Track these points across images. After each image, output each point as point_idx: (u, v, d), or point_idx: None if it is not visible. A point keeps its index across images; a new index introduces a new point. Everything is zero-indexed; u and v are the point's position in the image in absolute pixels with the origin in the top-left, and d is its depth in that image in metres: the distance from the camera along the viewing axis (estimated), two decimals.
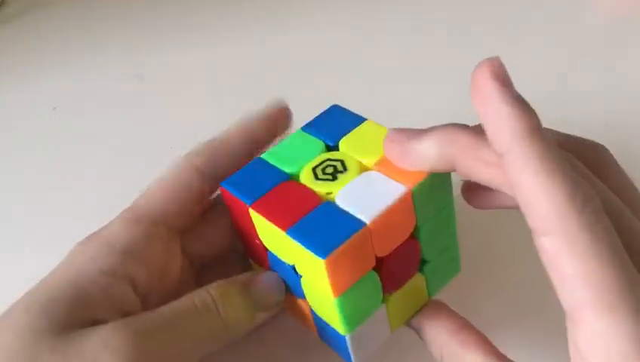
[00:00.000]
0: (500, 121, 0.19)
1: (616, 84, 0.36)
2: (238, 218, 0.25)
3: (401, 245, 0.23)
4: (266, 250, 0.24)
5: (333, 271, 0.21)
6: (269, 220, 0.22)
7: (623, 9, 0.40)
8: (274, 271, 0.25)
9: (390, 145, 0.22)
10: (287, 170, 0.24)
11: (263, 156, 0.24)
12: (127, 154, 0.38)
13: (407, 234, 0.23)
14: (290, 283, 0.24)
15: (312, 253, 0.20)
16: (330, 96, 0.39)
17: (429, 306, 0.25)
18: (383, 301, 0.23)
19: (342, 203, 0.22)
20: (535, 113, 0.20)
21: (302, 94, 0.40)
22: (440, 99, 0.38)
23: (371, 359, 0.25)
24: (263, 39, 0.44)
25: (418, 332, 0.25)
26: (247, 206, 0.23)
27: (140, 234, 0.24)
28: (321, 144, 0.24)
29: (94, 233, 0.24)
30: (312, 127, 0.25)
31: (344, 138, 0.24)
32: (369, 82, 0.40)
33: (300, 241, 0.21)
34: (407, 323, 0.25)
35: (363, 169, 0.23)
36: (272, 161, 0.24)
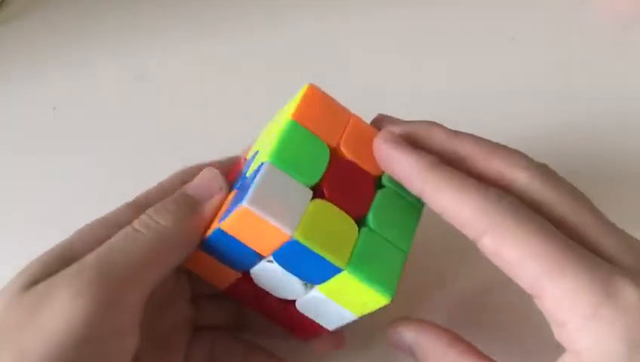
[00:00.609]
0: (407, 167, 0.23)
1: (616, 84, 0.36)
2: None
3: (358, 169, 0.25)
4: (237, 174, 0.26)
5: (307, 98, 0.25)
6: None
7: (624, 9, 0.40)
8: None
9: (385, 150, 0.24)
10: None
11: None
12: (127, 154, 0.38)
13: (376, 170, 0.25)
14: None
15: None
16: (332, 95, 0.39)
17: (420, 323, 0.24)
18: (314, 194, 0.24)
19: None
20: (426, 155, 0.23)
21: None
22: (439, 99, 0.38)
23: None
24: (263, 39, 0.44)
25: (412, 347, 0.24)
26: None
27: (136, 216, 0.24)
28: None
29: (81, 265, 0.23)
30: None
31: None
32: (369, 82, 0.40)
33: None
34: (396, 343, 0.25)
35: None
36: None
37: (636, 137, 0.34)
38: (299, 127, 0.24)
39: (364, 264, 0.23)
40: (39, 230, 0.36)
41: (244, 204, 0.21)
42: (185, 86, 0.42)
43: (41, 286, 0.22)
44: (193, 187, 0.25)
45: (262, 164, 0.23)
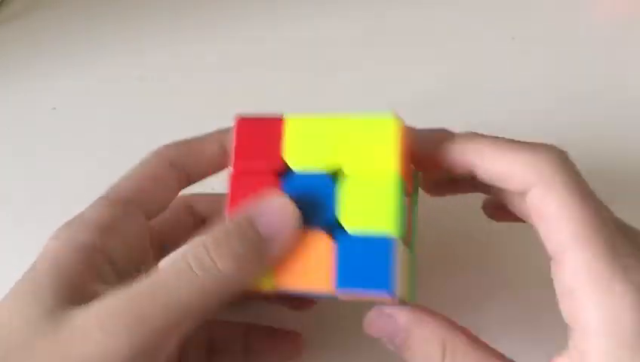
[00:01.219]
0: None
1: (616, 84, 0.36)
2: (253, 146, 0.23)
3: (407, 194, 0.24)
4: (280, 176, 0.23)
5: (401, 139, 0.22)
6: (316, 115, 0.22)
7: (623, 9, 0.40)
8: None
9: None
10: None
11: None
12: (128, 154, 0.38)
13: (410, 185, 0.24)
14: (311, 209, 0.22)
15: (381, 117, 0.22)
16: (331, 95, 0.39)
17: (419, 308, 0.24)
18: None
19: None
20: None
21: (303, 94, 0.40)
22: (439, 99, 0.38)
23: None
24: (263, 39, 0.44)
25: (400, 334, 0.23)
26: (281, 118, 0.23)
27: (115, 214, 0.24)
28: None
29: (69, 220, 0.24)
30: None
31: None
32: (368, 82, 0.40)
33: (363, 115, 0.22)
34: (377, 326, 0.23)
35: None
36: None
37: (636, 137, 0.34)
38: (401, 180, 0.22)
39: (412, 289, 0.24)
40: (39, 230, 0.36)
41: (388, 294, 0.20)
42: (185, 86, 0.42)
43: (69, 321, 0.20)
44: (264, 222, 0.21)
45: (385, 239, 0.21)
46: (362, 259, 0.21)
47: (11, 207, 0.38)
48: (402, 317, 0.22)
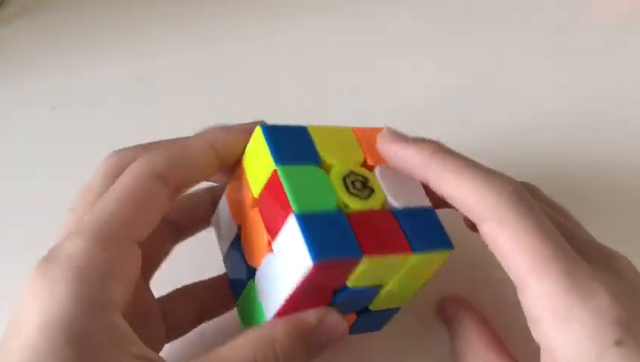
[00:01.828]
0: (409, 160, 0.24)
1: (616, 84, 0.36)
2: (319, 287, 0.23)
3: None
4: (334, 295, 0.23)
5: None
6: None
7: (623, 9, 0.40)
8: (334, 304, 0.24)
9: (385, 143, 0.25)
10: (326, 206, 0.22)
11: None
12: None
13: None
14: (348, 303, 0.24)
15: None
16: (331, 95, 0.39)
17: (464, 306, 0.27)
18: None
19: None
20: (426, 141, 0.25)
21: (303, 93, 0.40)
22: (439, 99, 0.38)
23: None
24: (263, 39, 0.44)
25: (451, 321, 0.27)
26: (358, 259, 0.22)
27: (114, 255, 0.21)
28: (319, 170, 0.23)
29: (56, 257, 0.21)
30: (284, 159, 0.23)
31: (322, 152, 0.24)
32: (368, 81, 0.40)
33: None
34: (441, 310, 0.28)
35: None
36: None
37: (636, 137, 0.34)
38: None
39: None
40: (39, 230, 0.36)
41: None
42: (185, 86, 0.42)
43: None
44: (324, 338, 0.23)
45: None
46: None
47: (11, 207, 0.38)
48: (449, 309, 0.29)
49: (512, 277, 0.22)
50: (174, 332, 0.27)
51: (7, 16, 0.48)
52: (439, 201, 0.25)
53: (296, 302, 0.22)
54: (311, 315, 0.23)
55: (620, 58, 0.38)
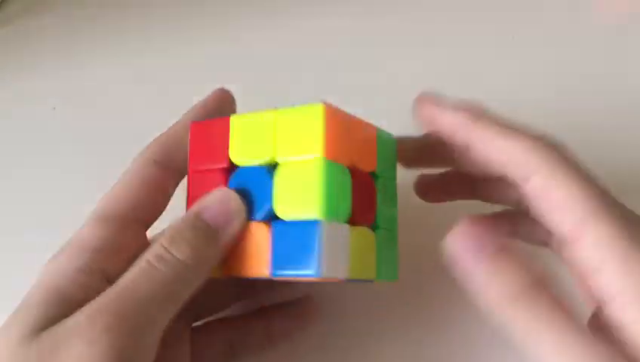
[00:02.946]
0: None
1: (616, 84, 0.37)
2: (205, 147, 0.25)
3: (363, 175, 0.24)
4: (229, 173, 0.24)
5: (328, 124, 0.22)
6: (255, 113, 0.24)
7: (623, 9, 0.41)
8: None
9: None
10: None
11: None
12: (127, 154, 0.38)
13: (369, 165, 0.25)
14: (252, 200, 0.23)
15: (310, 105, 0.22)
16: (331, 95, 0.39)
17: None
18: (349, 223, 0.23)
19: None
20: (472, 107, 0.24)
21: (303, 94, 0.40)
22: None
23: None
24: (263, 39, 0.44)
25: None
26: (228, 117, 0.24)
27: (111, 232, 0.24)
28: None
29: (66, 243, 0.24)
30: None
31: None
32: (367, 83, 0.40)
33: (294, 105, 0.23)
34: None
35: None
36: None
37: (636, 136, 0.34)
38: (329, 164, 0.22)
39: (382, 267, 0.25)
40: (39, 230, 0.36)
41: (315, 276, 0.21)
42: (184, 86, 0.42)
43: (50, 335, 0.20)
44: (210, 212, 0.23)
45: (311, 222, 0.21)
46: (292, 244, 0.22)
47: (11, 207, 0.38)
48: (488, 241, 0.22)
49: (565, 226, 0.21)
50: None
51: (7, 16, 0.48)
52: (461, 189, 0.26)
53: (195, 188, 0.24)
54: (195, 202, 0.24)
55: (620, 58, 0.38)
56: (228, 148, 0.24)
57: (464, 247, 0.21)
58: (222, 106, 0.27)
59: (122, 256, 0.24)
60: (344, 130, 0.23)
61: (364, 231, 0.24)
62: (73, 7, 0.48)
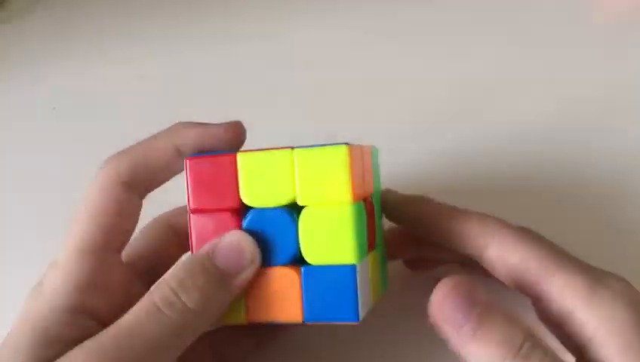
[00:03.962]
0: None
1: (616, 84, 0.36)
2: (209, 185, 0.23)
3: (368, 203, 0.24)
4: (240, 213, 0.23)
5: (351, 165, 0.22)
6: (269, 150, 0.22)
7: (623, 9, 0.40)
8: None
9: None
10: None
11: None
12: None
13: (371, 189, 0.25)
14: (272, 243, 0.23)
15: (331, 146, 0.22)
16: (332, 95, 0.39)
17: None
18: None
19: None
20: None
21: (303, 94, 0.40)
22: (439, 99, 0.38)
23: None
24: (263, 39, 0.44)
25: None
26: (234, 153, 0.23)
27: (91, 265, 0.23)
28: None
29: (42, 281, 0.23)
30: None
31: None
32: (367, 83, 0.40)
33: (314, 146, 0.22)
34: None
35: None
36: None
37: (637, 136, 0.34)
38: (355, 207, 0.22)
39: (383, 282, 0.26)
40: (39, 230, 0.36)
41: (354, 321, 0.22)
42: (184, 86, 0.42)
43: None
44: (223, 258, 0.22)
45: (345, 267, 0.22)
46: (327, 290, 0.22)
47: (10, 207, 0.38)
48: (480, 297, 0.22)
49: (527, 289, 0.23)
50: None
51: (7, 16, 0.48)
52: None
53: (200, 230, 0.23)
54: (207, 243, 0.23)
55: (620, 58, 0.38)
56: (237, 187, 0.23)
57: (452, 308, 0.20)
58: (232, 142, 0.25)
59: (103, 290, 0.23)
60: (359, 166, 0.23)
61: (373, 255, 0.24)
62: (73, 7, 0.48)
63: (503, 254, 0.23)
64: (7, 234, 0.37)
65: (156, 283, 0.22)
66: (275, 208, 0.22)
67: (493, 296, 0.21)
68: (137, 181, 0.24)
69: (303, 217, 0.22)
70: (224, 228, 0.23)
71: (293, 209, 0.22)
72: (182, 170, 0.24)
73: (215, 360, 0.28)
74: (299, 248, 0.22)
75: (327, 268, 0.22)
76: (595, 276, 0.22)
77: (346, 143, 0.22)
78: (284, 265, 0.22)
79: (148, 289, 0.26)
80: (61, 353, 0.21)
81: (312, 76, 0.41)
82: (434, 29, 0.42)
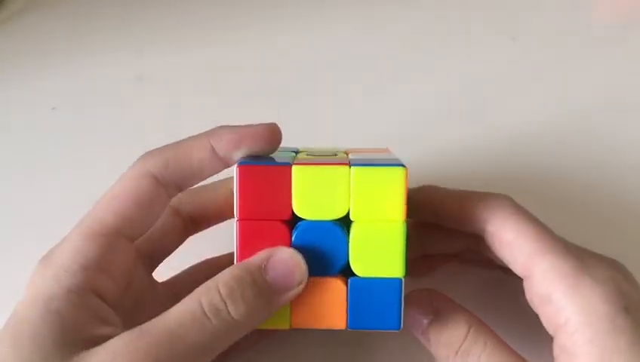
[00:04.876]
0: None
1: (616, 84, 0.36)
2: (260, 194, 0.23)
3: None
4: (290, 224, 0.24)
5: (406, 185, 0.23)
6: (325, 165, 0.23)
7: (623, 9, 0.40)
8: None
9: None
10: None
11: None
12: (127, 154, 0.38)
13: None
14: (321, 254, 0.23)
15: (391, 166, 0.23)
16: (332, 96, 0.39)
17: (437, 302, 0.26)
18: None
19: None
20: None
21: (303, 94, 0.40)
22: (440, 99, 0.38)
23: None
24: (264, 40, 0.44)
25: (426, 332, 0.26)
26: (289, 165, 0.23)
27: (101, 248, 0.23)
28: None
29: (53, 251, 0.23)
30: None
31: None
32: (367, 83, 0.40)
33: (372, 165, 0.23)
34: (412, 323, 0.26)
35: None
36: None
37: (636, 136, 0.34)
38: (406, 224, 0.23)
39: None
40: (39, 230, 0.36)
41: (397, 329, 0.23)
42: (185, 86, 0.42)
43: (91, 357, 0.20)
44: (275, 274, 0.23)
45: (392, 280, 0.23)
46: (372, 300, 0.23)
47: (10, 207, 0.38)
48: (436, 301, 0.25)
49: (517, 265, 0.24)
50: None
51: (7, 16, 0.48)
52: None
53: (247, 238, 0.23)
54: (259, 254, 0.23)
55: (620, 58, 0.38)
56: (290, 199, 0.23)
57: (412, 316, 0.25)
58: (268, 144, 0.25)
59: (112, 273, 0.23)
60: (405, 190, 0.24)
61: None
62: (73, 7, 0.48)
63: (500, 229, 0.24)
64: (7, 234, 0.37)
65: (204, 285, 0.22)
66: (326, 221, 0.23)
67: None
68: (167, 176, 0.24)
69: (356, 231, 0.23)
70: (272, 238, 0.23)
71: (342, 222, 0.24)
72: (218, 172, 0.25)
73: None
74: (347, 260, 0.23)
75: (375, 280, 0.23)
76: (582, 262, 0.22)
77: (403, 165, 0.23)
78: (332, 275, 0.24)
79: (149, 272, 0.26)
80: (81, 339, 0.21)
81: (311, 76, 0.41)
82: (432, 29, 0.42)
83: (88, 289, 0.22)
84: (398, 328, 0.23)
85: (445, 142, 0.35)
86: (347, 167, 0.23)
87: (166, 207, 0.25)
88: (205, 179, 0.26)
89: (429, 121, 0.36)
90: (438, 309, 0.25)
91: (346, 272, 0.24)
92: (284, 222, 0.24)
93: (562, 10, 0.40)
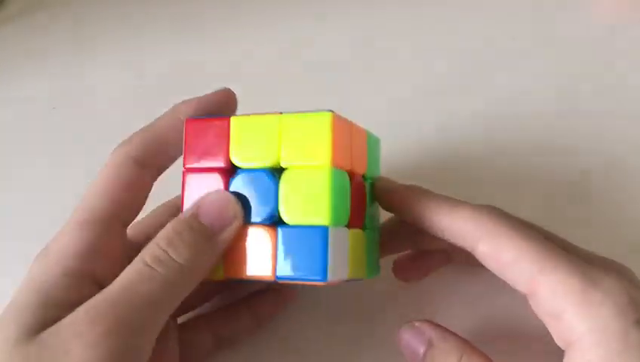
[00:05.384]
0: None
1: (616, 84, 0.37)
2: (203, 146, 0.25)
3: (357, 179, 0.25)
4: (230, 174, 0.24)
5: (334, 132, 0.22)
6: (259, 114, 0.24)
7: (623, 9, 0.41)
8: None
9: None
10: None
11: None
12: None
13: (362, 168, 0.25)
14: (254, 203, 0.24)
15: (317, 113, 0.23)
16: (332, 96, 0.39)
17: (436, 328, 0.25)
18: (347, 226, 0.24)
19: None
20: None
21: (303, 94, 0.40)
22: (440, 99, 0.38)
23: None
24: (263, 40, 0.44)
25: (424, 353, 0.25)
26: (229, 117, 0.24)
27: (94, 234, 0.24)
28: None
29: (49, 243, 0.24)
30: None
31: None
32: (367, 83, 0.40)
33: (301, 112, 0.23)
34: (407, 345, 0.25)
35: None
36: None
37: (636, 136, 0.34)
38: (335, 171, 0.23)
39: (371, 265, 0.26)
40: (39, 230, 0.36)
41: (322, 281, 0.22)
42: (185, 86, 0.42)
43: (49, 337, 0.21)
44: (208, 215, 0.23)
45: (319, 228, 0.22)
46: (299, 249, 0.22)
47: (10, 207, 0.38)
48: (428, 331, 0.24)
49: (520, 285, 0.23)
50: (189, 360, 0.28)
51: (7, 16, 0.48)
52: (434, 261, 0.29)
53: (191, 189, 0.24)
54: (190, 204, 0.24)
55: (620, 58, 0.38)
56: (228, 148, 0.24)
57: (408, 341, 0.24)
58: (225, 107, 0.27)
59: (106, 257, 0.24)
60: (346, 137, 0.24)
61: (358, 233, 0.25)
62: (73, 7, 0.48)
63: (495, 249, 0.23)
64: (7, 234, 0.37)
65: (147, 245, 0.23)
66: (260, 169, 0.24)
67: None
68: (148, 157, 0.25)
69: (284, 178, 0.23)
70: (213, 188, 0.24)
71: (279, 172, 0.23)
72: None
73: (214, 340, 0.29)
74: (277, 209, 0.23)
75: (302, 228, 0.22)
76: (589, 274, 0.21)
77: (332, 111, 0.23)
78: (263, 224, 0.23)
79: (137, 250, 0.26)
80: (62, 315, 0.21)
81: (311, 76, 0.41)
82: (432, 29, 0.42)
83: (84, 274, 0.23)
84: (325, 279, 0.22)
85: (441, 129, 0.35)
86: (278, 115, 0.24)
87: (150, 189, 0.26)
88: (182, 154, 0.26)
89: (426, 122, 0.37)
90: (431, 339, 0.24)
91: (281, 222, 0.23)
92: (224, 172, 0.24)
93: (562, 10, 0.40)
